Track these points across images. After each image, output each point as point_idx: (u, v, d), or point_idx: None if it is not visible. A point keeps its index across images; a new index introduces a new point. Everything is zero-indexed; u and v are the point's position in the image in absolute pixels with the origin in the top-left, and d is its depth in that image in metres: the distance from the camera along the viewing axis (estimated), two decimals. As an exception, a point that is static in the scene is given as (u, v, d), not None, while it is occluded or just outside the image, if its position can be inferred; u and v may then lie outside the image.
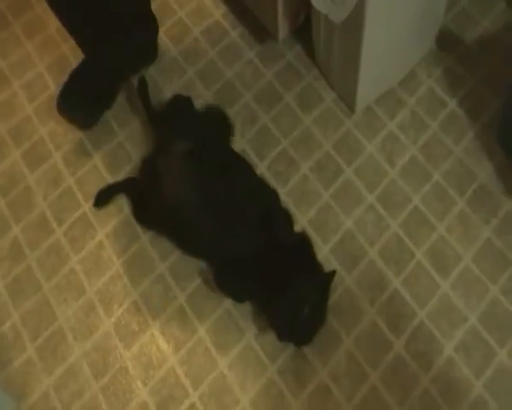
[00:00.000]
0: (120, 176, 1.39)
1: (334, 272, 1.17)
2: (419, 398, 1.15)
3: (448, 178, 1.39)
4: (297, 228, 1.30)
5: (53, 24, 1.57)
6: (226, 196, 1.16)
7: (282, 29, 1.44)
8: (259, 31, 1.53)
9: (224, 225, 1.16)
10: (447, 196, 1.37)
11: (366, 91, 1.39)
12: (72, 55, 1.53)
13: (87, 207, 1.37)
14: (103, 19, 1.25)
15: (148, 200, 1.24)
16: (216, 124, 1.32)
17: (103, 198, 1.32)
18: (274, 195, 1.26)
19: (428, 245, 1.31)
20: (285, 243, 1.15)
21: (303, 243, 1.20)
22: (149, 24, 1.42)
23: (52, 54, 1.55)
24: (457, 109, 1.47)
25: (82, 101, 1.38)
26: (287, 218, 1.22)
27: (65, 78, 1.43)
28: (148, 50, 1.47)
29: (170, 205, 1.17)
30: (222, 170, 1.20)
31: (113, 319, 1.26)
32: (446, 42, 1.52)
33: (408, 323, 1.22)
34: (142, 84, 1.37)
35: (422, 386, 1.16)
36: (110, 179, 1.39)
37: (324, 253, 1.29)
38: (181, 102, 1.34)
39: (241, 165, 1.27)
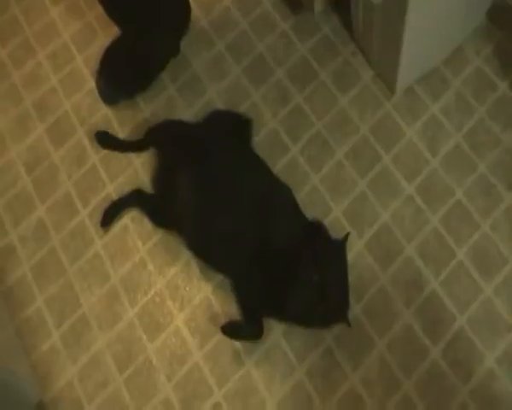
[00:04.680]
0: (146, 155, 1.33)
1: (347, 235, 1.11)
2: (457, 411, 1.06)
3: (495, 170, 1.27)
4: (329, 219, 1.24)
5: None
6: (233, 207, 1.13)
7: (318, 0, 1.34)
8: (294, 0, 1.43)
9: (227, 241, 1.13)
10: (493, 190, 1.26)
11: (408, 70, 1.28)
12: (97, 23, 1.46)
13: (112, 187, 1.31)
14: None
15: (165, 208, 1.21)
16: (230, 129, 1.27)
17: (110, 217, 1.26)
18: (286, 195, 1.19)
19: (471, 244, 1.21)
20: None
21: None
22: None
23: (77, 22, 1.48)
24: (509, 93, 1.34)
25: (121, 82, 1.36)
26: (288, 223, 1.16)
27: (91, 49, 1.39)
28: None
29: (185, 213, 1.15)
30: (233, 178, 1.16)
31: (137, 309, 1.21)
32: (499, 16, 1.37)
33: (446, 328, 1.14)
34: (104, 139, 1.33)
35: (460, 399, 1.08)
36: (135, 159, 1.33)
37: (358, 247, 1.20)
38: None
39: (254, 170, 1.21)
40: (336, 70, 1.37)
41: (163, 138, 1.26)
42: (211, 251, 1.14)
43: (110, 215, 1.26)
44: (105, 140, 1.31)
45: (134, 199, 1.26)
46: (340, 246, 1.11)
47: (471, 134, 1.31)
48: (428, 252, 1.20)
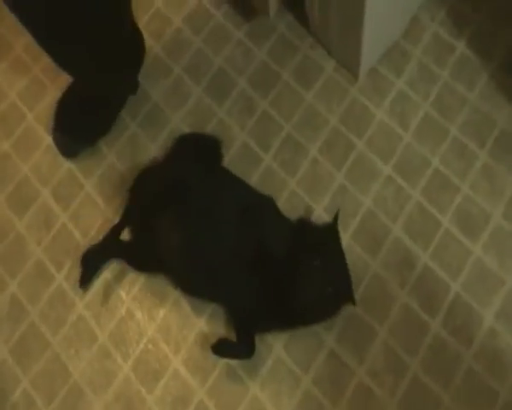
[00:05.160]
0: (116, 202, 1.28)
1: (337, 213, 1.13)
2: (464, 378, 1.11)
3: (466, 130, 1.30)
4: (313, 217, 1.26)
5: (19, 43, 1.44)
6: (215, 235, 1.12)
7: (273, 3, 1.34)
8: (245, 7, 1.43)
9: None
10: (467, 150, 1.29)
11: (370, 51, 1.29)
12: (44, 76, 1.41)
13: (86, 243, 1.24)
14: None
15: (146, 252, 1.19)
16: (199, 153, 1.24)
17: (89, 275, 1.20)
18: (267, 207, 1.19)
19: (454, 209, 1.24)
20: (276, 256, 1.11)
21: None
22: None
23: (23, 78, 1.42)
24: (467, 51, 1.36)
25: (79, 131, 1.31)
26: (278, 230, 1.16)
27: (41, 103, 1.36)
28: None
29: (170, 254, 1.13)
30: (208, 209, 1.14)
31: (130, 363, 1.17)
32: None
33: (442, 299, 1.17)
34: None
35: (466, 364, 1.12)
36: (106, 208, 1.29)
37: (345, 241, 1.22)
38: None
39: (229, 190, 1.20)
40: (297, 67, 1.38)
41: (141, 196, 1.21)
42: (203, 284, 1.12)
43: (88, 273, 1.20)
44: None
45: (111, 250, 1.21)
46: (331, 226, 1.14)
47: (438, 100, 1.34)
48: (414, 228, 1.23)
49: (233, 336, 1.15)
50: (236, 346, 1.12)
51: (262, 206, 1.18)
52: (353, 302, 1.12)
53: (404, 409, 1.10)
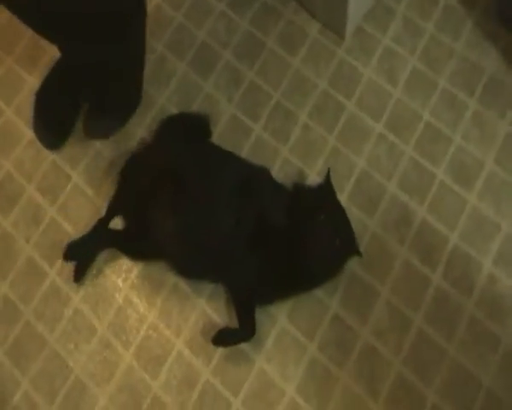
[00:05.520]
0: (106, 189, 1.25)
1: (328, 172, 1.16)
2: (467, 327, 1.14)
3: (454, 80, 1.31)
4: (308, 183, 1.26)
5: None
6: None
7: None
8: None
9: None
10: (457, 100, 1.30)
11: (355, 9, 1.28)
12: (20, 66, 1.36)
13: (76, 235, 1.21)
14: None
15: (141, 239, 1.15)
16: (189, 132, 1.22)
17: (82, 268, 1.18)
18: (264, 179, 1.18)
19: (447, 160, 1.26)
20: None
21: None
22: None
23: None
24: (450, 1, 1.37)
25: (61, 119, 1.29)
26: (277, 201, 1.16)
27: (19, 96, 1.32)
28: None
29: (168, 238, 1.11)
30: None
31: (132, 350, 1.15)
32: None
33: (441, 251, 1.19)
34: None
35: (468, 313, 1.15)
36: (95, 197, 1.26)
37: (342, 203, 1.21)
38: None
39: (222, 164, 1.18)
40: (282, 33, 1.37)
41: (133, 182, 1.19)
42: (202, 266, 1.11)
43: (81, 267, 1.17)
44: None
45: (102, 240, 1.18)
46: (325, 184, 1.15)
47: (425, 53, 1.34)
48: (410, 184, 1.24)
49: (233, 317, 1.16)
50: (236, 332, 1.12)
51: (258, 178, 1.18)
52: (359, 254, 1.13)
53: (409, 365, 1.12)
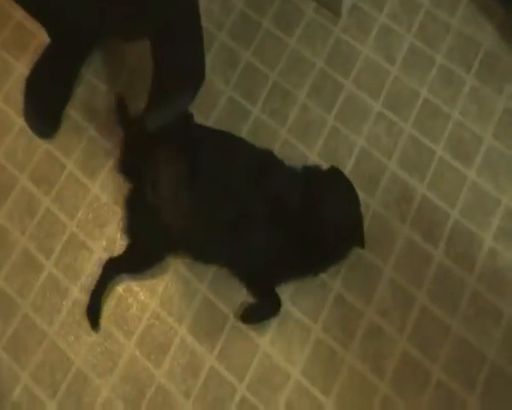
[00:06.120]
0: (101, 176, 1.24)
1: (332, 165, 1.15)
2: (470, 302, 1.15)
3: (451, 56, 1.31)
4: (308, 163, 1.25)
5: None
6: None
7: None
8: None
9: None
10: (454, 76, 1.29)
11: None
12: (7, 53, 1.32)
13: (73, 224, 1.20)
14: None
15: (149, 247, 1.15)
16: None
17: (96, 314, 1.14)
18: (277, 162, 1.17)
19: (446, 137, 1.26)
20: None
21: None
22: None
23: None
24: (445, -25, 1.33)
25: (53, 106, 1.25)
26: (291, 183, 1.15)
27: (8, 84, 1.29)
28: None
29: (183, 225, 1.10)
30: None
31: (134, 340, 1.13)
32: None
33: (443, 228, 1.19)
34: (121, 104, 1.23)
35: (470, 288, 1.15)
36: (91, 184, 1.24)
37: None
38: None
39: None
40: (277, 13, 1.36)
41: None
42: (221, 248, 1.10)
43: (94, 313, 1.14)
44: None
45: (110, 273, 1.15)
46: (335, 171, 1.15)
47: (422, 30, 1.33)
48: (409, 161, 1.24)
49: (236, 302, 1.16)
50: (264, 307, 1.12)
51: (272, 162, 1.17)
52: (362, 246, 1.13)
53: (414, 342, 1.13)
